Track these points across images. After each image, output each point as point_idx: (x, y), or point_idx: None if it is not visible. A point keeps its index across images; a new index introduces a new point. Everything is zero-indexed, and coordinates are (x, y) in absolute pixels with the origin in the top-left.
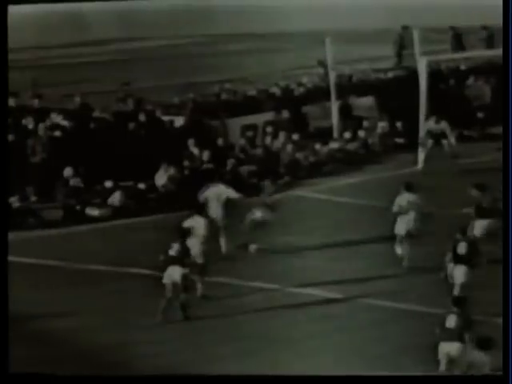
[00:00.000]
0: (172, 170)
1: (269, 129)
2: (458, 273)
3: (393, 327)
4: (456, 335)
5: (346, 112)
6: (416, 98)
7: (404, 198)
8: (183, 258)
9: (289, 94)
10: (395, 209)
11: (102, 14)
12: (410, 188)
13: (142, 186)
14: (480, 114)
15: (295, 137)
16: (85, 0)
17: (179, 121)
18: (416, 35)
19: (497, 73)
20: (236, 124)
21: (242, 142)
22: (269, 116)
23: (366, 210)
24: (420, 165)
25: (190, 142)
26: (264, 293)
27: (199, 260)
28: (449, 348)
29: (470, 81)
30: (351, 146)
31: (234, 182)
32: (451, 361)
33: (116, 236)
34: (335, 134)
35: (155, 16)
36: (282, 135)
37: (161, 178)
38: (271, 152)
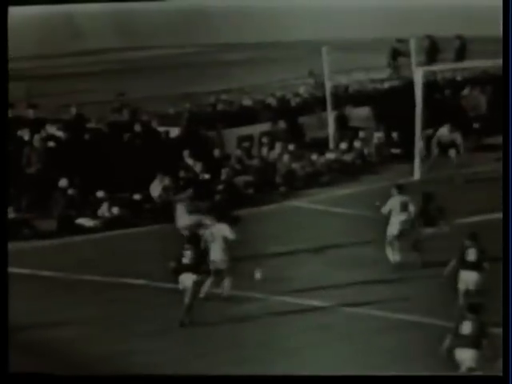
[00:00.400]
0: (167, 181)
1: (265, 139)
2: (469, 279)
3: (390, 337)
4: (471, 342)
5: (342, 122)
6: (412, 108)
7: (396, 200)
8: (196, 265)
9: (285, 104)
10: (385, 210)
11: (97, 23)
12: (401, 190)
13: (137, 196)
14: (476, 125)
15: (291, 147)
16: (79, 1)
17: (175, 131)
18: (412, 45)
19: (493, 83)
20: (232, 135)
21: (239, 152)
22: (265, 127)
23: (362, 221)
24: (416, 175)
25: (186, 152)
26: (259, 302)
27: (222, 266)
28: (465, 355)
29: (466, 91)
30: (347, 157)
31: (229, 192)
32: (469, 367)
33: (111, 247)
34: (331, 145)
35: (151, 26)
36: (278, 146)
37: (156, 189)
38: (268, 163)
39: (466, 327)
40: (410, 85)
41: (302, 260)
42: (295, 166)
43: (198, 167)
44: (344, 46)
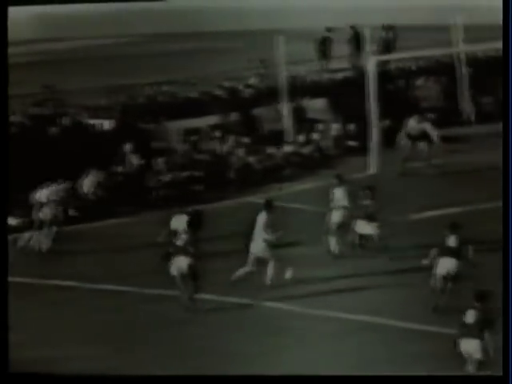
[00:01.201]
0: (101, 176)
1: (216, 133)
2: (448, 265)
3: (352, 339)
4: (475, 331)
5: (299, 114)
6: (367, 99)
7: (337, 190)
8: (189, 249)
9: (236, 95)
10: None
11: (24, 12)
12: (341, 180)
13: None
14: (430, 116)
15: (246, 140)
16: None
17: (107, 124)
18: (367, 34)
19: (446, 73)
20: (176, 128)
21: (185, 146)
22: (214, 119)
23: (318, 217)
24: (372, 169)
25: (122, 146)
26: (213, 304)
27: (262, 254)
28: (469, 346)
29: (420, 81)
30: (306, 150)
31: (173, 188)
32: (473, 359)
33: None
34: (289, 138)
35: (83, 14)
36: (231, 139)
37: (87, 185)
38: (219, 156)
39: (470, 316)
40: (364, 75)
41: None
42: (251, 159)
43: (135, 161)
44: (298, 36)
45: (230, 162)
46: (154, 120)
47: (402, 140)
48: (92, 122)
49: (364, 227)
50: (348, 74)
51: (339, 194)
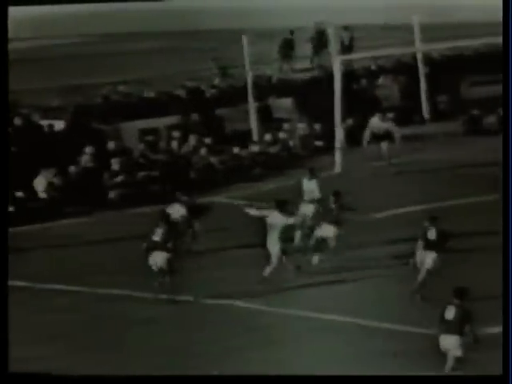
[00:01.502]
0: (52, 176)
1: (176, 133)
2: (428, 259)
3: (319, 338)
4: (455, 328)
5: (265, 114)
6: (332, 98)
7: (307, 184)
8: (166, 244)
9: (198, 95)
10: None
11: None
12: (313, 174)
13: (20, 194)
14: (390, 115)
15: (208, 140)
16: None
17: (60, 125)
18: (332, 33)
19: (406, 72)
20: (132, 128)
21: (142, 146)
22: (173, 119)
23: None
24: (337, 168)
25: (75, 146)
26: (180, 305)
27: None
28: (448, 341)
29: (381, 80)
30: (273, 149)
31: (129, 188)
32: (454, 356)
33: None
34: (255, 137)
35: (44, 16)
36: (192, 139)
37: (40, 185)
38: (179, 157)
39: (450, 312)
40: (330, 75)
41: (222, 260)
42: (213, 159)
43: (88, 161)
44: (263, 36)
45: (191, 162)
46: (110, 120)
47: (367, 139)
48: (46, 122)
49: (326, 229)
50: (313, 73)
51: (311, 187)
